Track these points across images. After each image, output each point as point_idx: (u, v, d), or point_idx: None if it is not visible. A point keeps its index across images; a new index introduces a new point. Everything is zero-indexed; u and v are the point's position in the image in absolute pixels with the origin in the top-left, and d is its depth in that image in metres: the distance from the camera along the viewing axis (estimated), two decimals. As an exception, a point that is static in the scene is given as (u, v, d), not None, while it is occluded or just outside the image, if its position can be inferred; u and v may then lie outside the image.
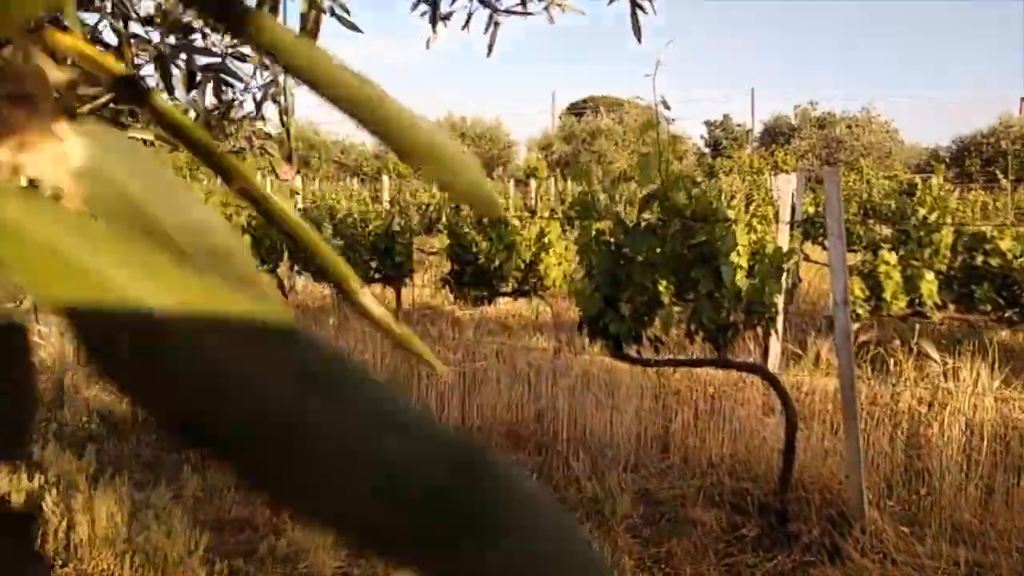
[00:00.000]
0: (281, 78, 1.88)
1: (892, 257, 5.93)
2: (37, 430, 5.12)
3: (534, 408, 5.03)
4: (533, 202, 17.16)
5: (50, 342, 7.24)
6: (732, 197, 13.04)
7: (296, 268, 9.08)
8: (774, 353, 5.26)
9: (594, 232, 3.86)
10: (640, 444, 4.51)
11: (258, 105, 1.97)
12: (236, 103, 1.92)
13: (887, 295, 5.83)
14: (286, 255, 8.87)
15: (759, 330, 4.24)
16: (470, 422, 4.97)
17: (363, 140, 44.91)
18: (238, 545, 3.71)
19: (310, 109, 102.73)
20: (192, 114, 1.63)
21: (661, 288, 3.71)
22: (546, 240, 6.74)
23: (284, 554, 3.47)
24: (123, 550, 3.27)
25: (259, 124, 2.12)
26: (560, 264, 6.76)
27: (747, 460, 4.13)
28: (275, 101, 1.93)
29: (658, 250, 3.59)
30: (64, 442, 4.78)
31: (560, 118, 46.80)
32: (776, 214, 6.14)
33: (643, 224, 3.64)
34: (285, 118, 1.91)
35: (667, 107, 3.27)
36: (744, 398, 4.57)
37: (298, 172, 35.91)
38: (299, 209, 9.27)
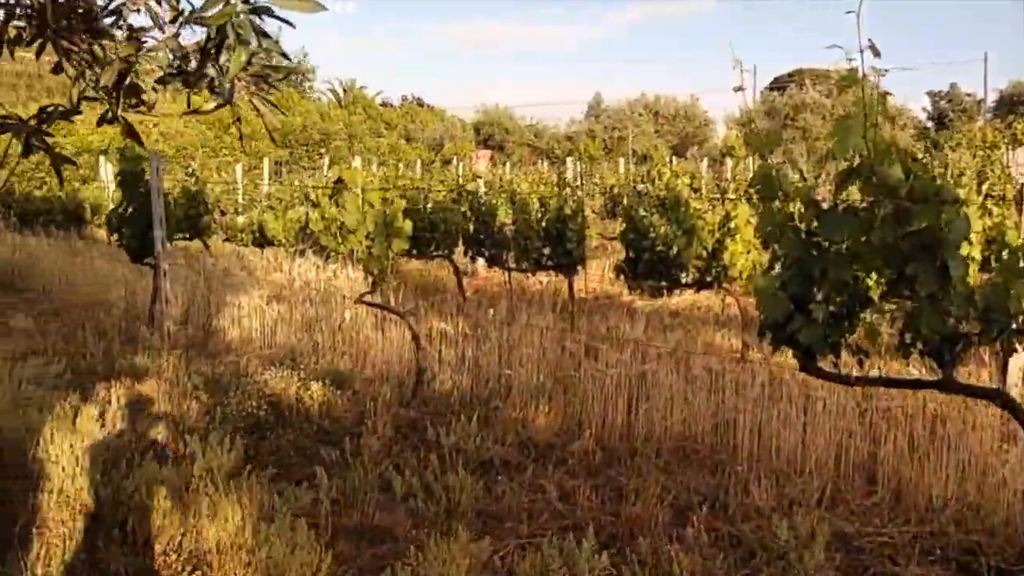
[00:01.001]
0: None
1: None
2: (207, 414, 5.20)
3: (711, 419, 4.38)
4: (728, 184, 16.05)
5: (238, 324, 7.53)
6: (961, 174, 11.32)
7: (471, 253, 8.90)
8: (1015, 372, 4.20)
9: (780, 215, 3.16)
10: (839, 473, 3.75)
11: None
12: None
13: None
14: (461, 240, 8.70)
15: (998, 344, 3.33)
16: (636, 431, 4.42)
17: (555, 123, 44.90)
18: (374, 560, 3.42)
19: (505, 94, 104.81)
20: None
21: (867, 286, 2.96)
22: (732, 225, 5.99)
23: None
24: (247, 561, 3.07)
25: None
26: (748, 252, 5.99)
27: (979, 505, 3.27)
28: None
29: (862, 238, 2.85)
30: (224, 429, 4.79)
31: (761, 93, 44.10)
32: (1018, 195, 4.99)
33: (842, 206, 2.91)
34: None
35: (876, 53, 2.52)
36: (976, 422, 3.66)
37: (491, 157, 36.54)
38: (478, 193, 9.07)
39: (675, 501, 3.64)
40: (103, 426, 4.66)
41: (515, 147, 42.54)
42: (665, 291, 6.72)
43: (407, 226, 5.23)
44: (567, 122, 45.51)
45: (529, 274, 8.06)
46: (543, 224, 7.44)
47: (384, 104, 47.81)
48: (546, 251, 7.45)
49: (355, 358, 6.26)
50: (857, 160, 2.77)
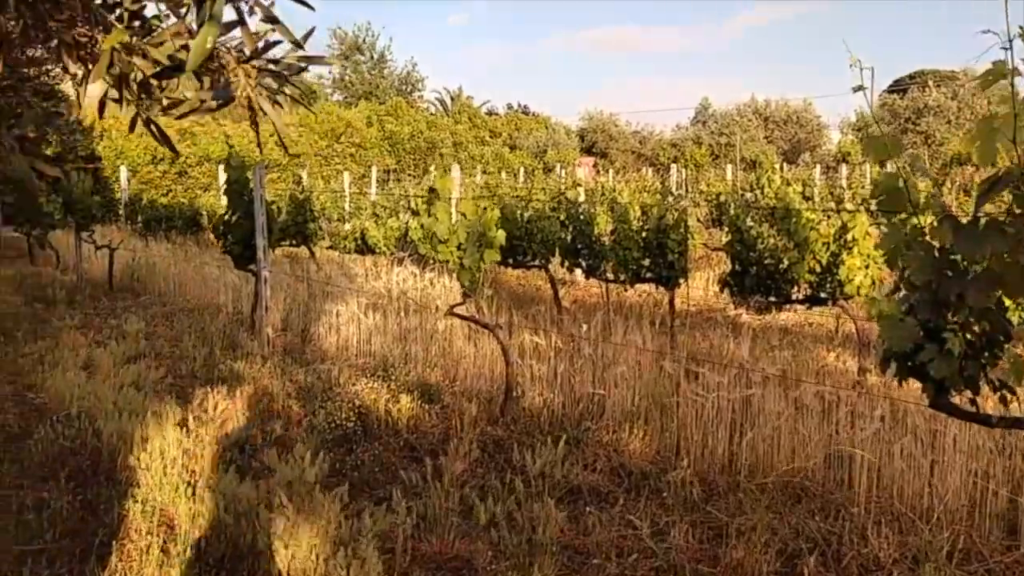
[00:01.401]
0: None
1: None
2: (298, 424, 5.18)
3: (823, 453, 3.99)
4: (843, 192, 15.17)
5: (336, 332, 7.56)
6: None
7: (568, 264, 8.66)
8: None
9: (908, 230, 2.79)
10: (973, 522, 3.31)
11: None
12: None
13: None
14: (558, 250, 8.48)
15: None
16: (739, 463, 4.07)
17: (660, 129, 44.10)
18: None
19: (608, 100, 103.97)
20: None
21: (1014, 315, 2.55)
22: (849, 237, 5.52)
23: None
24: (318, 589, 2.95)
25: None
26: (867, 267, 5.50)
27: None
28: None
29: (1006, 258, 2.45)
30: (311, 441, 4.73)
31: (880, 96, 41.87)
32: None
33: (984, 220, 2.52)
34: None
35: (1033, 40, 2.14)
36: None
37: (595, 164, 36.15)
38: (577, 202, 8.83)
39: (782, 546, 3.29)
40: (192, 434, 4.69)
41: (619, 154, 41.98)
42: (773, 307, 6.28)
43: (500, 236, 5.05)
44: (673, 128, 44.65)
45: (628, 286, 7.74)
46: (643, 234, 7.12)
47: (489, 113, 48.21)
48: (646, 262, 7.13)
49: (446, 370, 6.14)
50: (1005, 167, 2.38)
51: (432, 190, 4.94)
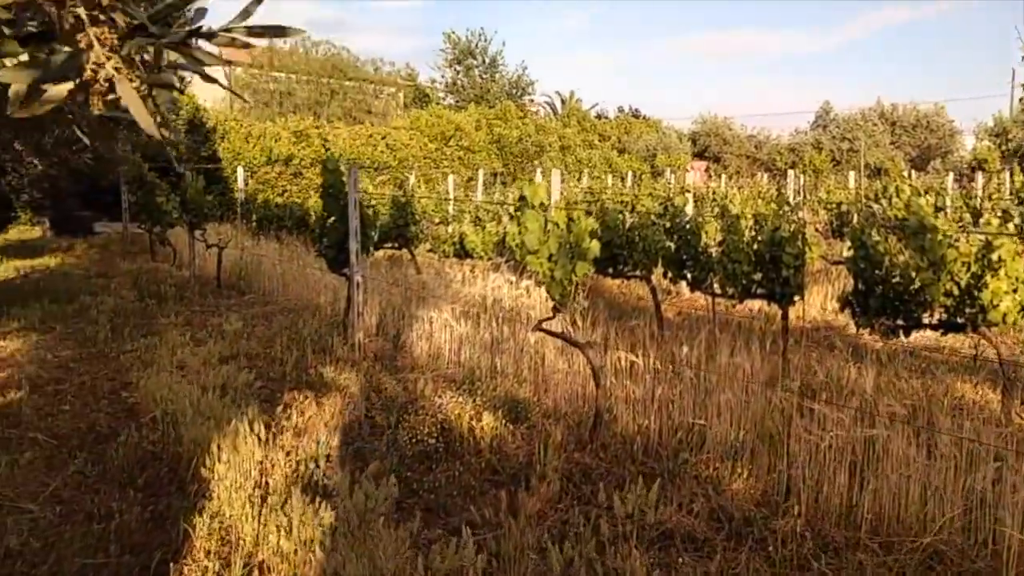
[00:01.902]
0: None
1: None
2: (381, 436, 4.97)
3: (961, 506, 3.42)
4: (979, 201, 13.92)
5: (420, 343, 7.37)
6: None
7: (671, 275, 8.18)
8: None
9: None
10: None
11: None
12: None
13: None
14: (660, 260, 8.02)
15: None
16: (859, 515, 3.55)
17: (777, 133, 42.37)
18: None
19: (726, 103, 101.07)
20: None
21: None
22: (994, 257, 4.85)
23: None
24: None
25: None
26: (1015, 291, 4.82)
27: None
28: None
29: None
30: (392, 456, 4.51)
31: (1021, 100, 38.73)
32: None
33: None
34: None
35: None
36: None
37: (707, 168, 35.10)
38: (682, 209, 8.34)
39: (910, 625, 2.79)
40: (270, 445, 4.55)
41: (732, 158, 40.58)
42: (900, 331, 5.64)
43: (594, 248, 4.69)
44: (791, 132, 42.77)
45: (736, 301, 7.20)
46: (755, 247, 6.58)
47: (599, 116, 47.63)
48: (757, 277, 6.59)
49: (535, 386, 5.82)
50: None
51: (522, 198, 4.63)
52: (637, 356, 5.38)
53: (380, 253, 12.82)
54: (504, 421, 5.05)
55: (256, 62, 35.04)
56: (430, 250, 12.61)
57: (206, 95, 24.57)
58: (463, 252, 10.96)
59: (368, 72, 39.58)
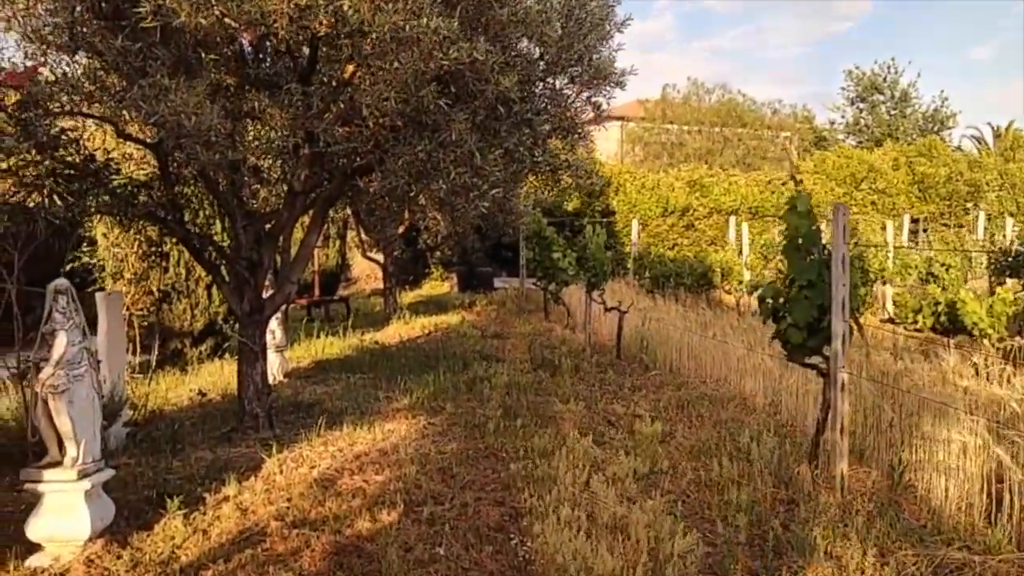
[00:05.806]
0: None
1: None
2: None
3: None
4: None
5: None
6: None
7: None
8: None
9: None
10: None
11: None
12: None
13: None
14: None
15: None
16: None
17: None
18: None
19: None
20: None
21: None
22: None
23: None
24: None
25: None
26: None
27: None
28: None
29: None
30: None
31: None
32: None
33: None
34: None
35: None
36: None
37: None
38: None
39: None
40: None
41: None
42: None
43: None
44: None
45: None
46: None
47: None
48: None
49: None
50: None
51: None
52: None
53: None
54: None
55: (649, 115, 34.43)
56: (887, 319, 9.57)
57: (599, 147, 24.11)
58: (951, 327, 7.79)
59: (765, 115, 36.84)
